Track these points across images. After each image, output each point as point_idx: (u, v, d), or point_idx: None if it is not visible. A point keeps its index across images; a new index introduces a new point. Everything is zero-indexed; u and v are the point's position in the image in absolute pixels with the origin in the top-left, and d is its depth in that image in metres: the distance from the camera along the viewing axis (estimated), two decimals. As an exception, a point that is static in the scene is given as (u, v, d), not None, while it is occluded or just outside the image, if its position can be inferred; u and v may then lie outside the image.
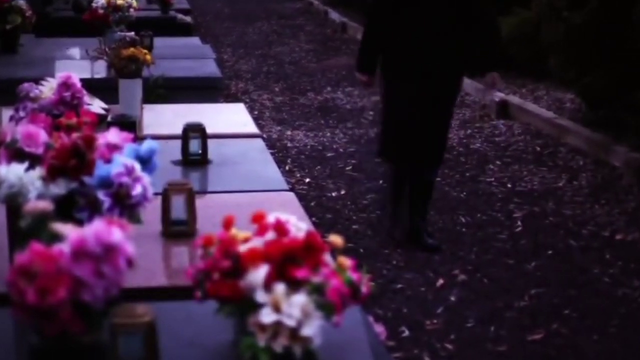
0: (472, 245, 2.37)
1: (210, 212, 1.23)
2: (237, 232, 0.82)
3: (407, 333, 1.88)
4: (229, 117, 1.96)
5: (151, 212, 1.10)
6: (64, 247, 0.70)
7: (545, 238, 2.41)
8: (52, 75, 1.46)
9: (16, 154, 1.01)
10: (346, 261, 0.82)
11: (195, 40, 3.39)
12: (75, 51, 2.77)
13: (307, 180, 2.95)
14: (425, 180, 2.31)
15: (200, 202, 1.20)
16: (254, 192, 1.35)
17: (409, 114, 2.20)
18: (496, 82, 2.32)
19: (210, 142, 1.51)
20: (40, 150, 1.01)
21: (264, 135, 3.11)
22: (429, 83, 2.20)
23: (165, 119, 1.90)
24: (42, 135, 1.03)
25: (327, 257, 0.81)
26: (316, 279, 0.75)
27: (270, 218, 0.81)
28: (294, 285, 0.74)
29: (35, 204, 0.77)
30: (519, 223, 2.51)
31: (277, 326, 0.72)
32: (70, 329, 0.70)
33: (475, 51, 2.23)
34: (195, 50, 3.05)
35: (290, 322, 0.72)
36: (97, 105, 1.58)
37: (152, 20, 3.55)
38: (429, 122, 2.23)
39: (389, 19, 2.20)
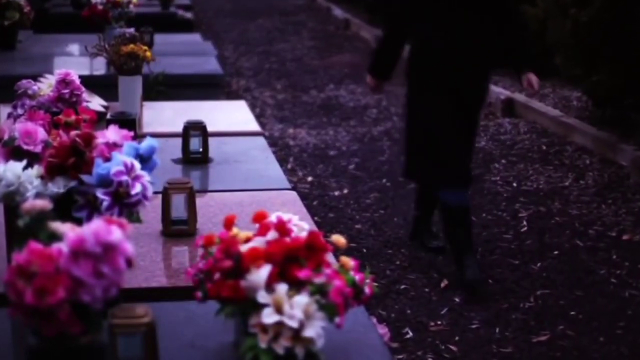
0: (477, 245, 2.34)
1: (211, 211, 1.22)
2: (238, 231, 0.81)
3: (410, 334, 1.86)
4: (230, 115, 1.95)
5: (151, 211, 1.10)
6: (63, 247, 0.69)
7: (551, 238, 2.38)
8: (51, 72, 1.46)
9: (14, 151, 1.00)
10: (349, 261, 0.81)
11: (196, 37, 3.38)
12: (74, 48, 2.76)
13: (310, 179, 2.93)
14: (461, 205, 2.03)
15: (200, 201, 1.19)
16: (255, 191, 1.34)
17: (436, 124, 2.01)
18: (533, 83, 2.07)
19: (211, 140, 1.50)
20: (38, 148, 1.00)
21: (266, 133, 3.10)
22: (457, 88, 2.03)
23: (166, 116, 1.89)
24: (41, 133, 1.02)
25: (330, 257, 0.80)
26: (318, 280, 0.73)
27: (272, 217, 0.80)
28: (296, 286, 0.73)
29: (34, 203, 0.76)
30: (525, 223, 2.48)
31: (279, 327, 0.71)
32: (68, 329, 0.69)
33: (507, 51, 2.07)
34: (196, 47, 3.04)
35: (293, 323, 0.71)
36: (96, 103, 1.57)
37: (153, 16, 3.54)
38: (458, 133, 2.02)
39: (412, 21, 2.04)
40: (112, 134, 0.99)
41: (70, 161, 0.95)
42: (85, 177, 0.94)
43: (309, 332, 0.71)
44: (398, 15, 2.10)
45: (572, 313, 1.96)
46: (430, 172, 2.09)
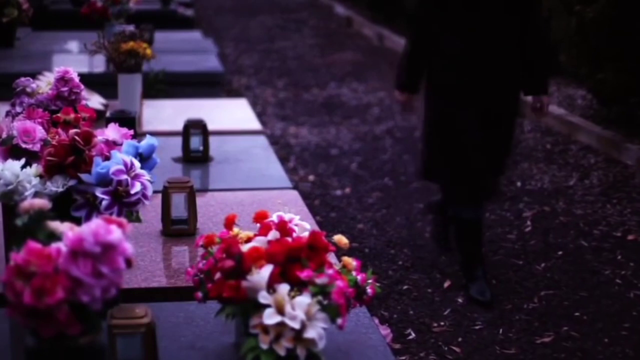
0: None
1: (211, 210, 1.21)
2: (239, 231, 0.80)
3: (413, 335, 1.85)
4: (231, 113, 1.95)
5: (151, 211, 1.09)
6: (61, 247, 0.67)
7: (555, 238, 2.36)
8: (50, 70, 1.45)
9: (12, 150, 0.99)
10: (351, 262, 0.80)
11: (196, 34, 3.37)
12: (73, 45, 2.76)
13: (311, 178, 2.92)
14: (475, 219, 1.96)
15: (201, 201, 1.18)
16: (256, 190, 1.34)
17: (458, 139, 1.91)
18: (544, 108, 1.95)
19: (212, 139, 1.49)
20: (37, 147, 1.00)
21: (267, 132, 3.09)
22: (484, 101, 1.93)
23: (166, 114, 1.89)
24: (39, 132, 1.01)
25: (332, 258, 0.79)
26: (320, 280, 0.72)
27: (273, 217, 0.79)
28: (298, 286, 0.72)
29: (32, 202, 0.75)
30: (529, 223, 2.47)
31: (281, 328, 0.71)
32: (67, 330, 0.68)
33: (525, 68, 1.93)
34: (196, 45, 3.03)
35: (294, 324, 0.70)
36: (95, 101, 1.57)
37: (153, 13, 3.52)
38: (481, 150, 1.91)
39: (437, 28, 1.93)
40: (111, 132, 0.99)
41: (69, 160, 0.94)
42: (84, 176, 0.93)
43: (310, 333, 0.70)
44: (423, 26, 1.99)
45: (577, 314, 1.94)
46: (446, 182, 2.03)
